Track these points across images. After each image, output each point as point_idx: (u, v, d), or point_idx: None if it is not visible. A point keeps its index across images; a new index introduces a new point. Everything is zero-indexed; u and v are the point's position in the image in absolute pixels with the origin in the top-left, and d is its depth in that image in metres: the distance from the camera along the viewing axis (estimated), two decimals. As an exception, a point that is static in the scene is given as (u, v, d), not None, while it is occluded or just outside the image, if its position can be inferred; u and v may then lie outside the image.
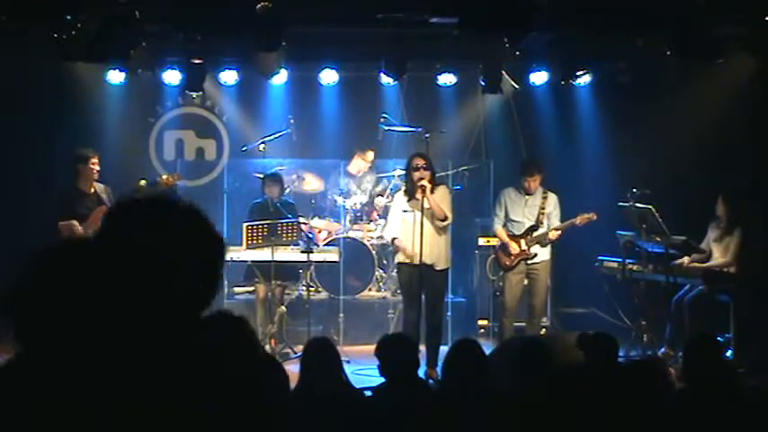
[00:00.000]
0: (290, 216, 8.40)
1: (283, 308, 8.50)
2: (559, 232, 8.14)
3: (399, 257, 7.74)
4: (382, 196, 9.66)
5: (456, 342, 4.68)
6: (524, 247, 8.14)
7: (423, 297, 7.58)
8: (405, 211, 7.66)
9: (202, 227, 1.85)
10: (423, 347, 7.23)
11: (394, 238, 7.82)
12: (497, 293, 8.98)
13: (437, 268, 7.58)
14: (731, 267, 8.05)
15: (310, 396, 4.24)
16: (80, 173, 7.93)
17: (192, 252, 1.80)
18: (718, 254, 8.20)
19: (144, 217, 1.81)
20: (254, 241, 8.13)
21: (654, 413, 3.83)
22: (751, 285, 7.84)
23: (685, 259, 8.31)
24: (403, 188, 7.87)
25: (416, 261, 7.42)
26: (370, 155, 9.76)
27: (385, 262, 9.51)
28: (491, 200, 9.28)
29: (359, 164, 9.78)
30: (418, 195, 7.42)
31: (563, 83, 9.31)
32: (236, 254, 8.41)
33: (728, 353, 7.51)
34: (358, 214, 9.65)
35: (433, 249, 7.53)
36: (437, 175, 7.81)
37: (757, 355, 7.35)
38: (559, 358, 4.89)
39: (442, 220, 7.54)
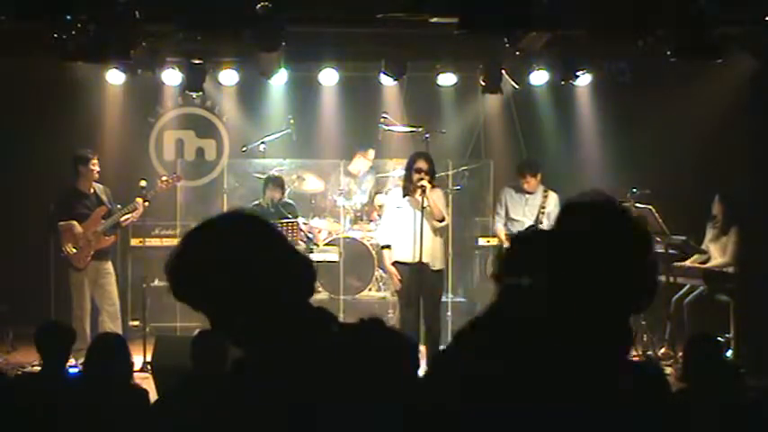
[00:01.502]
0: (289, 216, 8.40)
1: (283, 308, 8.49)
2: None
3: (395, 256, 7.66)
4: (381, 193, 9.65)
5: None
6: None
7: (420, 297, 7.55)
8: (399, 208, 7.62)
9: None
10: (423, 347, 7.23)
11: (385, 246, 7.75)
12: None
13: (433, 268, 7.55)
14: (730, 267, 8.06)
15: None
16: (80, 173, 7.93)
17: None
18: (716, 254, 8.20)
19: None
20: (254, 241, 8.11)
21: (654, 413, 3.82)
22: (751, 285, 7.84)
23: (687, 262, 8.31)
24: (400, 186, 7.85)
25: (414, 260, 7.41)
26: (371, 153, 9.77)
27: (385, 262, 9.52)
28: (491, 200, 9.29)
29: (360, 163, 9.79)
30: (417, 195, 7.41)
31: (563, 83, 9.30)
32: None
33: (728, 353, 7.51)
34: (358, 214, 9.65)
35: (430, 249, 7.51)
36: (437, 175, 7.80)
37: (757, 355, 7.35)
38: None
39: (440, 221, 7.53)
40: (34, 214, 8.56)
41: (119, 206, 8.04)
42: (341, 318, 9.15)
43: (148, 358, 6.94)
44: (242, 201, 9.38)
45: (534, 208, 8.18)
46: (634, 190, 8.31)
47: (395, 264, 7.60)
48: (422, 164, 7.49)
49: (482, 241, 9.63)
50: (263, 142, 9.23)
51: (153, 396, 4.67)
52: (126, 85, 9.40)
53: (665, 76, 8.85)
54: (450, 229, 8.25)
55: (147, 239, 8.94)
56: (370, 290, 9.36)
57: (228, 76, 9.45)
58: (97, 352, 4.50)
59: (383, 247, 7.79)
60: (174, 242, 9.39)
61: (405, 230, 7.49)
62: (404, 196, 7.59)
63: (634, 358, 7.83)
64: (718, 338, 5.71)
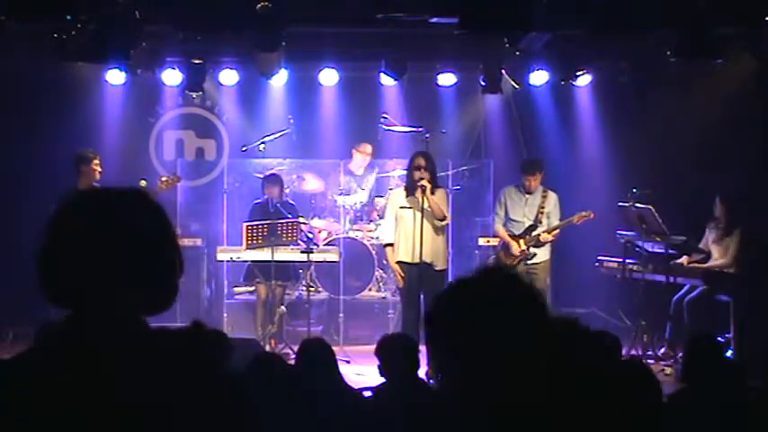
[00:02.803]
0: (290, 216, 8.40)
1: (283, 308, 8.50)
2: (555, 233, 8.14)
3: (398, 256, 7.68)
4: (382, 197, 9.65)
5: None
6: (523, 247, 8.14)
7: (421, 297, 7.55)
8: (402, 208, 7.64)
9: None
10: (423, 347, 7.22)
11: (388, 244, 7.77)
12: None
13: (436, 268, 7.57)
14: (731, 268, 8.06)
15: (307, 398, 4.24)
16: (82, 173, 7.94)
17: None
18: (718, 255, 8.21)
19: None
20: (255, 241, 8.13)
21: (654, 413, 3.83)
22: (751, 285, 7.84)
23: (684, 259, 8.31)
24: (402, 186, 7.87)
25: (416, 260, 7.41)
26: (368, 147, 9.74)
27: (385, 262, 9.50)
28: (491, 200, 9.29)
29: (359, 159, 9.76)
30: (418, 195, 7.42)
31: (563, 83, 9.31)
32: (236, 254, 8.42)
33: (728, 353, 7.51)
34: (358, 214, 9.64)
35: (432, 248, 7.52)
36: (437, 175, 7.81)
37: (757, 355, 7.35)
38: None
39: (441, 220, 7.54)
40: (34, 214, 8.54)
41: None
42: (340, 317, 9.13)
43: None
44: (242, 200, 9.38)
45: (534, 208, 8.18)
46: (634, 190, 8.31)
47: (399, 263, 7.63)
48: (421, 162, 7.51)
49: (482, 241, 9.63)
50: (263, 142, 9.22)
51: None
52: (126, 85, 9.40)
53: (665, 76, 8.85)
54: (450, 229, 8.24)
55: (147, 239, 8.90)
56: (370, 290, 9.36)
57: (228, 76, 9.45)
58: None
59: (386, 246, 7.82)
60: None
61: (407, 230, 7.51)
62: (407, 196, 7.62)
63: (633, 358, 7.84)
64: (719, 338, 5.71)
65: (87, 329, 1.69)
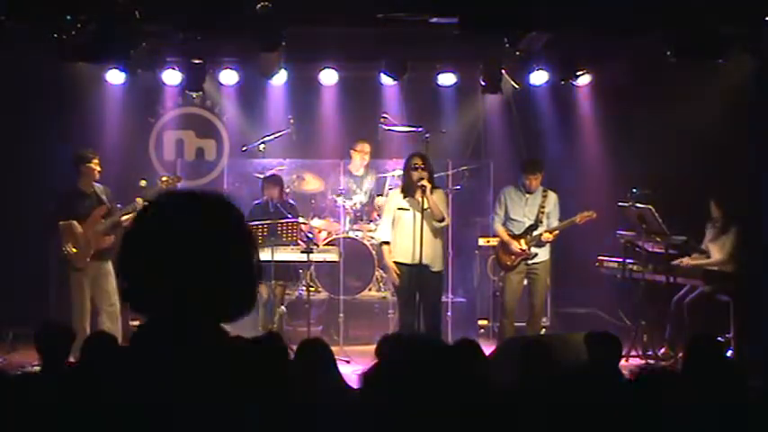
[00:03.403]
0: (289, 216, 8.39)
1: (283, 308, 8.51)
2: (556, 233, 8.14)
3: (395, 257, 7.65)
4: (382, 196, 9.65)
5: (456, 342, 4.68)
6: (524, 246, 8.14)
7: (419, 298, 7.51)
8: (400, 209, 7.62)
9: None
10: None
11: (384, 242, 7.74)
12: (497, 293, 8.98)
13: (433, 270, 7.54)
14: (727, 265, 8.06)
15: (305, 398, 4.23)
16: (81, 173, 7.93)
17: None
18: (716, 253, 8.21)
19: None
20: (254, 241, 8.11)
21: (654, 413, 3.83)
22: (751, 285, 7.84)
23: (686, 260, 8.31)
24: (399, 187, 7.85)
25: (414, 261, 7.39)
26: (365, 146, 9.72)
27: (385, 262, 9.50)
28: (491, 200, 9.28)
29: (357, 159, 9.74)
30: (418, 196, 7.40)
31: (563, 83, 9.31)
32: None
33: (728, 353, 7.51)
34: (358, 214, 9.64)
35: (431, 250, 7.50)
36: (436, 175, 7.80)
37: (757, 355, 7.35)
38: (560, 358, 4.89)
39: (440, 221, 7.52)
40: (34, 214, 8.56)
41: (119, 206, 8.03)
42: (340, 317, 9.14)
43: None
44: (242, 201, 9.37)
45: (534, 208, 8.18)
46: (634, 190, 8.32)
47: (396, 264, 7.60)
48: (418, 162, 7.49)
49: (482, 241, 9.63)
50: (262, 142, 9.22)
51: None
52: (126, 85, 9.40)
53: (665, 76, 8.85)
54: (450, 230, 8.24)
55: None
56: (370, 290, 9.34)
57: (228, 76, 9.45)
58: (89, 352, 4.49)
59: (382, 243, 7.79)
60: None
61: (405, 231, 7.48)
62: (404, 197, 7.59)
63: (634, 359, 7.85)
64: (719, 338, 5.71)
65: (166, 334, 1.69)
